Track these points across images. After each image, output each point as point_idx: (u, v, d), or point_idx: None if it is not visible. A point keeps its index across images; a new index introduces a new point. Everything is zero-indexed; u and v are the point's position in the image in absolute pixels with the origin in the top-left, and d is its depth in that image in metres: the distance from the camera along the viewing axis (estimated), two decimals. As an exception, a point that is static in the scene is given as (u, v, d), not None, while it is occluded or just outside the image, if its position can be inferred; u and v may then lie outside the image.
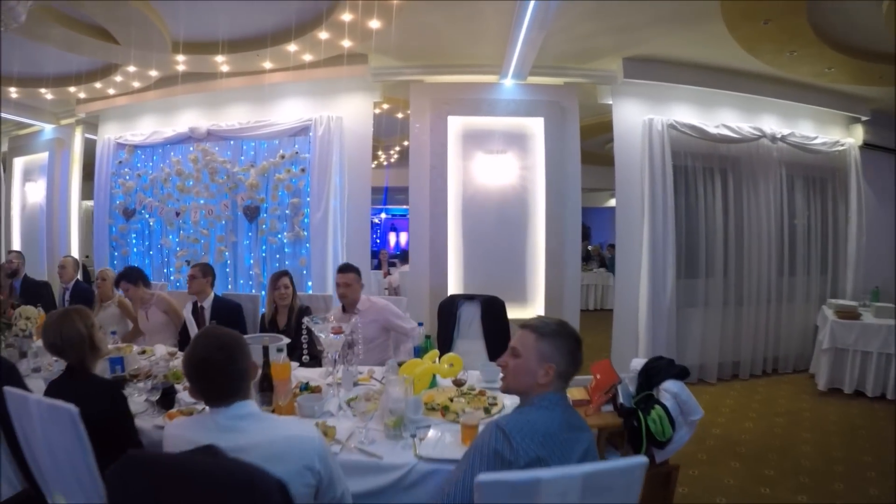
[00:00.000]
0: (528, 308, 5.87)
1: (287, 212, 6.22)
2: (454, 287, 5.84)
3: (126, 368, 3.35)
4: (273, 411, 2.62)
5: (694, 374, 6.04)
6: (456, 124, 5.90)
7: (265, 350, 2.82)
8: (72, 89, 6.96)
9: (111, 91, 7.15)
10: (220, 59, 5.67)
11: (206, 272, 4.67)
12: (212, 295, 4.68)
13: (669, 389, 3.03)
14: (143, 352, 4.11)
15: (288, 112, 6.34)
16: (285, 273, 4.53)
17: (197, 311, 4.62)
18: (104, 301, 5.11)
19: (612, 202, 13.25)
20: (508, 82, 5.86)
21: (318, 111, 6.06)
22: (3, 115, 7.87)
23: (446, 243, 5.90)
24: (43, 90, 6.99)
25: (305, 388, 3.00)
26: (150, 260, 7.29)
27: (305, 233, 6.11)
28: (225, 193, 6.57)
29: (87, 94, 7.30)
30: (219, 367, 1.77)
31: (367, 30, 4.85)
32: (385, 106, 6.86)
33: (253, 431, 1.75)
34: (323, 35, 4.99)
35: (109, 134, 7.65)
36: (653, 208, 5.98)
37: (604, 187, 11.28)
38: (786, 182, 6.80)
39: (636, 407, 3.03)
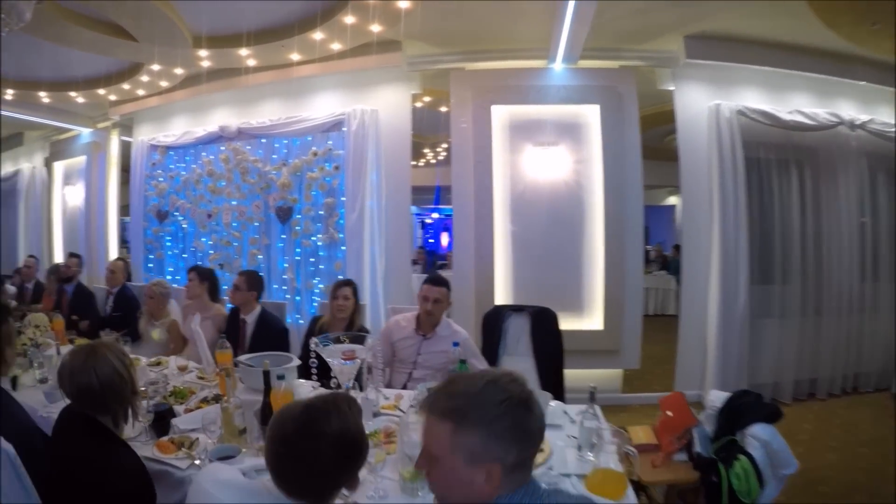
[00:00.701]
0: (585, 318, 5.24)
1: (321, 212, 5.82)
2: (502, 295, 5.26)
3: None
4: None
5: (766, 392, 5.26)
6: (501, 115, 5.30)
7: (265, 375, 2.34)
8: (101, 91, 6.85)
9: (140, 92, 7.01)
10: (244, 52, 5.36)
11: (252, 285, 4.18)
12: (257, 309, 4.18)
13: (758, 436, 2.49)
14: (158, 363, 3.75)
15: (320, 107, 5.94)
16: (348, 283, 3.97)
17: (237, 324, 4.17)
18: (156, 319, 4.58)
19: (672, 200, 12.68)
20: (558, 66, 5.25)
21: (352, 105, 5.63)
22: (44, 120, 8.08)
23: (493, 246, 5.29)
24: (73, 93, 6.89)
25: None
26: (183, 263, 7.05)
27: (340, 235, 5.68)
28: (257, 194, 6.23)
29: (117, 96, 7.21)
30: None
31: (395, 11, 4.43)
32: (426, 99, 6.36)
33: None
34: (349, 19, 4.58)
35: (143, 136, 7.52)
36: (723, 206, 5.27)
37: (662, 184, 10.70)
38: (867, 175, 5.97)
39: (716, 457, 2.50)
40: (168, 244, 7.26)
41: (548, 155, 5.19)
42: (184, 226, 7.05)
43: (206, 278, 4.59)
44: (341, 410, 1.42)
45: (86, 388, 1.88)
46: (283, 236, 6.10)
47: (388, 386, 3.39)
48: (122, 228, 8.36)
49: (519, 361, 3.63)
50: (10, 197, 9.81)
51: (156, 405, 2.59)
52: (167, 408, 2.60)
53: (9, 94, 6.93)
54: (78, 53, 5.63)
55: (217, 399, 2.84)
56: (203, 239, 6.76)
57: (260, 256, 6.25)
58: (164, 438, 2.37)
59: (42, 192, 9.40)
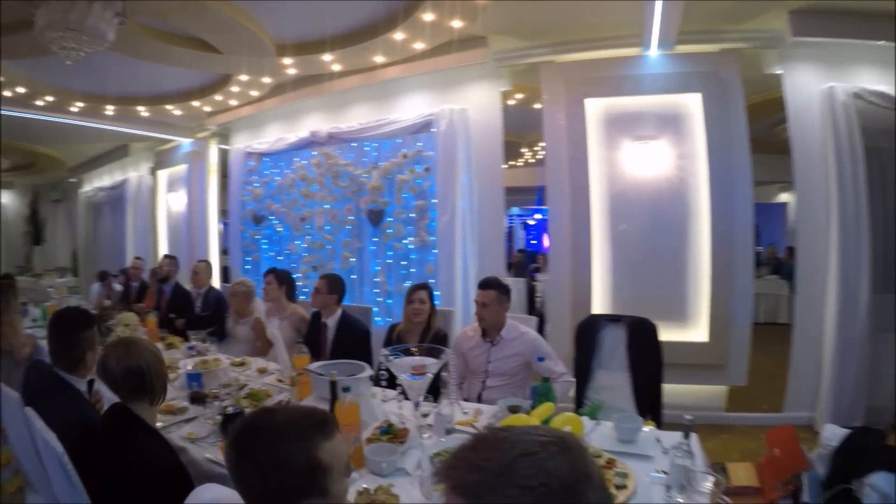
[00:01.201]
0: (688, 329, 4.84)
1: (412, 215, 5.75)
2: (599, 302, 4.98)
3: (207, 385, 3.04)
4: None
5: (885, 418, 4.52)
6: (596, 108, 5.01)
7: (332, 385, 2.26)
8: (195, 103, 7.16)
9: (233, 102, 7.27)
10: (328, 57, 5.39)
11: (332, 287, 4.13)
12: (338, 312, 4.15)
13: (879, 487, 2.16)
14: (242, 363, 3.85)
15: (409, 108, 5.89)
16: (424, 286, 3.88)
17: (318, 326, 4.17)
18: (241, 317, 4.77)
19: (784, 197, 11.58)
20: (653, 53, 4.89)
21: (440, 105, 5.51)
22: (146, 132, 8.64)
23: (590, 250, 4.98)
24: (169, 107, 7.27)
25: (387, 431, 2.37)
26: (278, 265, 7.10)
27: (432, 238, 5.60)
28: (348, 197, 6.27)
29: (211, 108, 7.52)
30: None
31: (473, 6, 4.29)
32: (518, 96, 6.14)
33: None
34: (427, 17, 4.47)
35: (239, 143, 7.82)
36: (841, 203, 4.62)
37: (772, 179, 9.45)
38: None
39: (829, 509, 2.14)
40: (264, 247, 7.49)
41: (647, 150, 4.82)
42: (279, 229, 7.24)
43: (283, 281, 4.68)
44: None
45: (129, 373, 2.03)
46: (375, 239, 6.09)
47: (467, 399, 3.31)
48: (226, 233, 8.62)
49: (613, 376, 3.36)
50: (118, 203, 10.57)
51: (231, 407, 2.60)
52: (238, 410, 2.59)
53: (109, 109, 7.39)
54: (170, 68, 5.88)
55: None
56: (297, 242, 6.91)
57: (352, 259, 6.29)
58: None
59: (148, 198, 9.99)
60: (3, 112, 6.90)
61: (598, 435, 2.36)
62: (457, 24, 4.60)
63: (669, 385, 3.53)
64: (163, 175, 9.79)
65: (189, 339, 4.33)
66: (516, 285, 6.83)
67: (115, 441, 1.95)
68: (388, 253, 5.92)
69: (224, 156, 8.54)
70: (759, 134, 6.64)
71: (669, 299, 4.81)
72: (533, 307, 6.82)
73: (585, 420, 2.44)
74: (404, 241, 5.79)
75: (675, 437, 2.22)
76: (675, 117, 4.82)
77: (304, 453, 1.22)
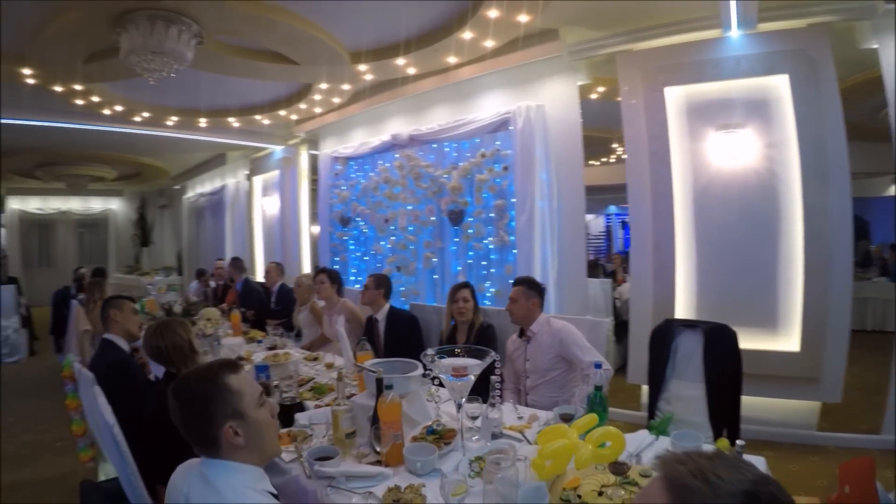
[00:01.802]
0: (779, 336, 4.43)
1: (492, 215, 5.74)
2: (683, 306, 4.75)
3: (274, 377, 3.25)
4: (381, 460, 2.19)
5: None
6: (676, 96, 4.75)
7: (378, 383, 2.27)
8: (282, 112, 7.59)
9: (317, 110, 7.67)
10: (401, 61, 5.55)
11: (379, 283, 4.53)
12: (386, 307, 4.51)
13: None
14: (315, 358, 4.10)
15: (486, 107, 5.88)
16: (466, 285, 4.06)
17: (372, 324, 4.50)
18: (301, 305, 5.40)
19: (894, 190, 10.39)
20: (734, 34, 4.53)
21: (517, 102, 5.44)
22: (240, 142, 9.31)
23: (674, 249, 4.72)
24: (258, 117, 7.76)
25: (434, 431, 2.35)
26: (364, 265, 7.53)
27: (511, 237, 5.55)
28: (430, 198, 6.38)
29: (298, 116, 7.97)
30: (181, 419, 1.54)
31: None
32: (600, 89, 5.97)
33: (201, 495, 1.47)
34: (492, 13, 4.49)
35: (327, 149, 8.13)
36: None
37: (881, 170, 8.11)
38: None
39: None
40: (351, 247, 7.78)
41: (733, 140, 4.49)
42: (364, 230, 7.50)
43: (334, 280, 5.04)
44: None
45: (154, 349, 2.69)
46: (456, 240, 6.15)
47: (525, 403, 3.31)
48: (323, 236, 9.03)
49: (688, 387, 3.13)
50: (218, 207, 11.37)
51: (287, 398, 2.80)
52: (295, 402, 2.81)
53: (202, 122, 8.01)
54: (254, 81, 6.33)
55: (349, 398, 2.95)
56: (381, 243, 7.11)
57: (434, 259, 6.39)
58: (284, 430, 2.47)
59: (244, 202, 10.64)
60: (103, 128, 7.76)
61: (654, 451, 2.16)
62: (523, 18, 4.59)
63: (755, 399, 3.32)
64: (258, 181, 10.41)
65: (268, 332, 4.82)
66: (602, 287, 6.64)
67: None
68: (469, 253, 5.95)
69: (314, 161, 8.93)
70: (861, 119, 6.13)
71: (758, 303, 4.47)
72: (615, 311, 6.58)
73: (642, 434, 2.32)
74: (484, 241, 5.79)
75: (746, 459, 2.04)
76: (762, 103, 4.45)
77: (216, 381, 1.52)
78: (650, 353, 3.37)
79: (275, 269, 6.73)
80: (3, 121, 7.06)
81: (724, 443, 2.12)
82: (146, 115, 7.56)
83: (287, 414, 2.66)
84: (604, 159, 10.03)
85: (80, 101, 6.65)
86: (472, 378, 2.22)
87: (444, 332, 4.11)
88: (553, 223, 5.36)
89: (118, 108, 7.12)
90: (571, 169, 5.32)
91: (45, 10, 4.49)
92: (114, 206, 16.17)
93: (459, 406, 2.26)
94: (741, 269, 4.50)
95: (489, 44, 5.09)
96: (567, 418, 2.39)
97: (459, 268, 6.08)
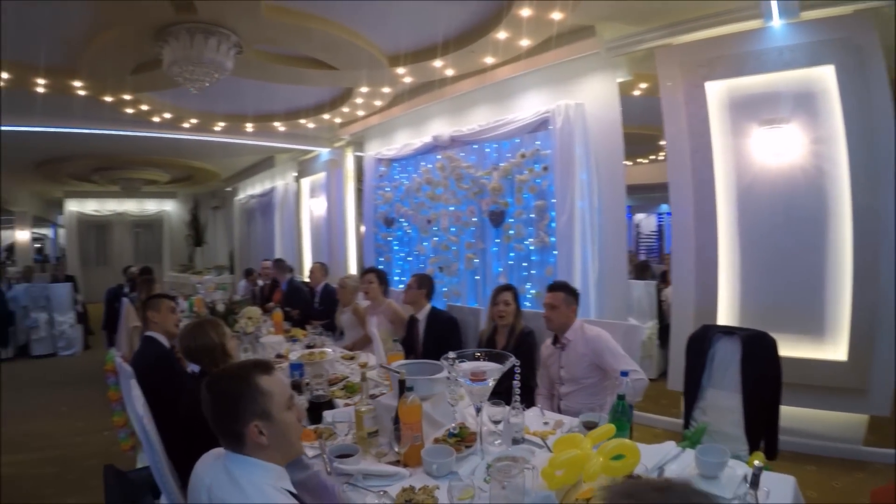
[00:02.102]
0: (826, 344, 4.17)
1: (532, 216, 5.70)
2: (726, 310, 4.55)
3: (308, 373, 3.35)
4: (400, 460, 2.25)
5: None
6: (718, 91, 4.56)
7: (401, 384, 2.30)
8: (326, 116, 7.76)
9: (360, 113, 7.83)
10: (438, 63, 5.61)
11: (421, 283, 4.58)
12: (427, 307, 4.55)
13: None
14: (352, 357, 4.20)
15: (526, 107, 5.85)
16: (508, 288, 3.99)
17: (413, 324, 4.57)
18: (344, 306, 5.46)
19: None
20: (776, 23, 4.28)
21: (556, 101, 5.38)
22: (293, 146, 9.60)
23: (717, 252, 4.54)
24: (303, 121, 7.98)
25: (456, 434, 2.35)
26: (408, 266, 7.61)
27: (552, 239, 5.50)
28: (471, 199, 6.40)
29: (342, 119, 8.13)
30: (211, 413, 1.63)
31: None
32: (643, 85, 5.85)
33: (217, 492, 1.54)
34: (524, 12, 4.47)
35: (372, 151, 8.26)
36: None
37: None
38: None
39: None
40: (395, 248, 7.89)
41: (777, 136, 4.29)
42: (408, 231, 7.58)
43: (382, 281, 5.10)
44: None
45: (187, 350, 2.79)
46: (497, 240, 6.15)
47: (558, 410, 3.31)
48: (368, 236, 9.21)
49: (725, 396, 2.99)
50: (268, 208, 11.72)
51: (317, 396, 2.91)
52: (325, 399, 2.90)
53: (249, 126, 8.27)
54: (297, 86, 6.53)
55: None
56: (424, 243, 7.18)
57: (476, 260, 6.42)
58: (312, 427, 2.62)
59: (293, 203, 10.90)
60: (153, 135, 8.11)
61: (679, 465, 2.10)
62: (556, 16, 4.56)
63: (798, 410, 3.16)
64: (305, 182, 10.70)
65: (308, 331, 4.95)
66: (647, 289, 6.55)
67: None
68: (510, 254, 5.95)
69: (359, 162, 9.10)
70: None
71: (804, 309, 4.23)
72: (661, 314, 6.40)
73: (668, 446, 2.24)
74: (525, 243, 5.76)
75: (775, 478, 1.94)
76: (808, 95, 4.21)
77: (248, 380, 1.59)
78: (686, 360, 3.25)
79: (319, 269, 6.87)
80: (58, 129, 7.55)
81: (759, 456, 2.01)
82: (194, 121, 7.88)
83: (317, 411, 2.78)
84: (652, 157, 9.84)
85: (130, 110, 6.98)
86: (491, 383, 2.22)
87: (484, 333, 4.06)
88: (594, 223, 5.26)
89: (167, 115, 7.45)
90: (612, 168, 5.20)
91: (91, 27, 4.75)
92: (168, 207, 16.92)
93: (478, 410, 2.27)
94: (786, 273, 4.28)
95: (524, 43, 5.07)
96: (590, 426, 2.35)
97: (500, 269, 6.09)
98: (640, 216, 12.95)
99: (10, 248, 15.34)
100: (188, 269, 12.65)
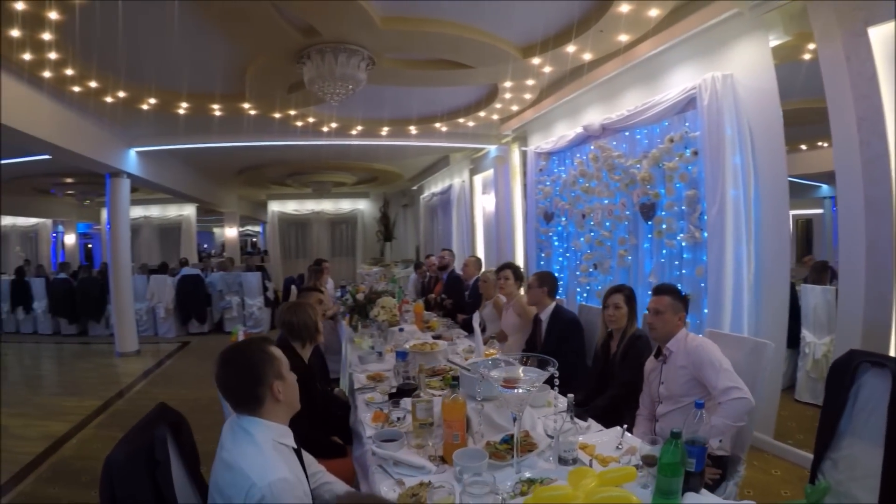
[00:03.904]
0: None
1: (683, 207, 5.09)
2: None
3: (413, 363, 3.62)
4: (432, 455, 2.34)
5: None
6: (884, 38, 3.49)
7: (455, 380, 2.40)
8: (482, 114, 7.89)
9: (514, 107, 7.81)
10: (571, 48, 5.38)
11: (542, 282, 4.47)
12: (551, 306, 4.42)
13: None
14: (472, 352, 4.21)
15: (674, 84, 5.26)
16: (620, 289, 3.68)
17: (536, 323, 4.50)
18: (486, 300, 5.67)
19: None
20: None
21: (703, 74, 4.73)
22: (461, 144, 9.93)
23: (891, 251, 3.49)
24: (461, 119, 8.20)
25: (507, 440, 2.29)
26: (566, 262, 7.40)
27: (703, 233, 4.85)
28: (622, 191, 6.00)
29: (498, 116, 8.20)
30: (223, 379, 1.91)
31: None
32: (811, 46, 4.66)
33: (232, 448, 1.78)
34: None
35: (533, 145, 8.13)
36: None
37: None
38: None
39: None
40: (555, 244, 7.68)
41: None
42: (566, 226, 7.34)
43: (519, 277, 5.12)
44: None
45: (287, 323, 3.18)
46: (649, 236, 5.62)
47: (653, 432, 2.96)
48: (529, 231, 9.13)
49: (864, 450, 2.29)
50: (447, 205, 12.32)
51: (403, 384, 3.18)
52: (408, 388, 3.07)
53: (412, 129, 8.68)
54: (452, 89, 6.82)
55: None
56: (580, 239, 6.89)
57: (629, 258, 5.97)
58: (386, 410, 2.92)
59: (468, 200, 11.22)
60: (323, 143, 9.01)
61: None
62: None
63: None
64: (478, 179, 10.97)
65: (458, 322, 5.37)
66: (825, 296, 5.35)
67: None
68: (662, 251, 5.40)
69: (524, 157, 9.01)
70: None
71: None
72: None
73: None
74: (677, 238, 5.16)
75: None
76: None
77: (263, 349, 1.92)
78: (825, 394, 2.57)
79: (473, 262, 7.07)
80: (244, 143, 8.83)
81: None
82: (360, 128, 8.50)
83: (400, 397, 3.03)
84: (821, 143, 8.32)
85: (299, 123, 7.63)
86: (524, 391, 2.07)
87: (601, 338, 3.78)
88: (749, 216, 4.52)
89: (333, 124, 8.03)
90: (770, 149, 4.38)
91: (241, 59, 5.55)
92: (361, 206, 18.64)
93: (515, 419, 2.15)
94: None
95: (653, 13, 4.62)
96: (650, 462, 2.00)
97: (651, 268, 5.58)
98: (818, 211, 11.18)
99: (222, 244, 18.21)
100: (378, 263, 13.52)
